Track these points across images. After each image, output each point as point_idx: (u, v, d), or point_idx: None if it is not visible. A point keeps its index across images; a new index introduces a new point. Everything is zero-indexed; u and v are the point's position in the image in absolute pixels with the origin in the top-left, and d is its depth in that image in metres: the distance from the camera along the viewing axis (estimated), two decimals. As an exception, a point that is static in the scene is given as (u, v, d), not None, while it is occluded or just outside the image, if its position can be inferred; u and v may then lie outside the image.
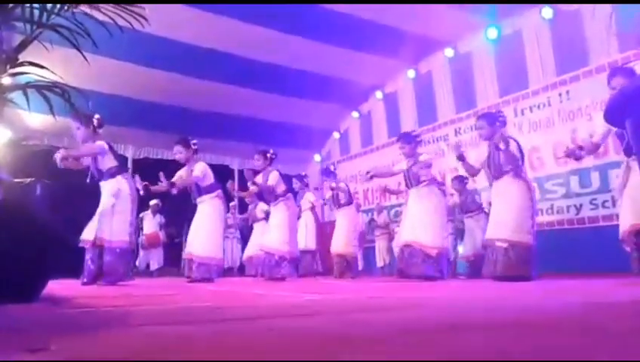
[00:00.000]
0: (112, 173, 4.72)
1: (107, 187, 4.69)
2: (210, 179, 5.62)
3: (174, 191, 5.43)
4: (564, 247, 5.93)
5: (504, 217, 4.36)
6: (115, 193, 4.63)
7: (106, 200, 4.63)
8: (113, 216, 4.59)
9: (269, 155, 6.13)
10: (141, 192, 5.03)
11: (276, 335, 1.23)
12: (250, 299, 2.92)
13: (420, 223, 5.05)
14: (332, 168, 7.67)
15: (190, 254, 5.53)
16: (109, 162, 4.72)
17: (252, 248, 8.34)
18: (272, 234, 6.08)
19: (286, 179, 6.58)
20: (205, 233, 5.53)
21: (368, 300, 2.56)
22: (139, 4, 2.43)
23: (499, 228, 4.37)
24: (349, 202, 7.13)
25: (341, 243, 6.90)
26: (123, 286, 4.26)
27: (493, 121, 4.63)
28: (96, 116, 4.69)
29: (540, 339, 1.07)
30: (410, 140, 5.34)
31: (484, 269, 4.49)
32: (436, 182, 5.95)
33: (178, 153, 5.59)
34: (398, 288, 3.80)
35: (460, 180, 6.53)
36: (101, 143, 4.65)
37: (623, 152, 3.88)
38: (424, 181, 5.18)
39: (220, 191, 5.74)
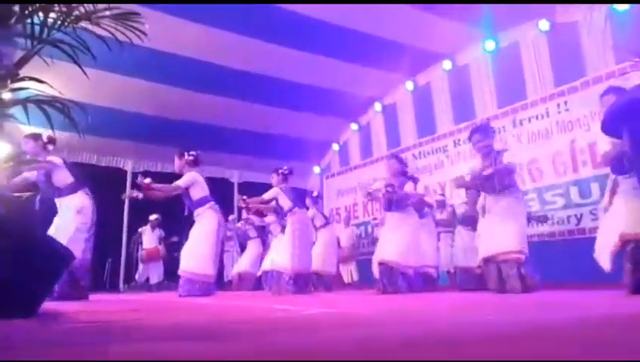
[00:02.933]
0: (72, 188, 4.68)
1: (69, 203, 4.60)
2: (202, 191, 5.54)
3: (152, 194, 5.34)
4: (565, 258, 5.92)
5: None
6: (80, 209, 4.58)
7: (68, 216, 4.53)
8: (73, 233, 4.46)
9: (280, 172, 6.21)
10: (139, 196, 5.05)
11: (280, 352, 1.22)
12: (250, 313, 2.89)
13: None
14: (314, 194, 7.95)
15: (180, 269, 5.46)
16: (65, 178, 4.67)
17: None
18: (280, 251, 6.11)
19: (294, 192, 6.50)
20: (193, 247, 5.42)
21: (366, 314, 2.54)
22: (138, 20, 2.45)
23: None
24: (327, 223, 7.45)
25: (319, 261, 7.05)
26: (123, 302, 4.23)
27: (489, 133, 4.62)
28: (48, 134, 4.63)
29: (541, 351, 1.06)
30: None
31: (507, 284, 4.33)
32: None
33: (175, 162, 5.66)
34: (393, 301, 3.78)
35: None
36: (52, 158, 4.60)
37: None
38: None
39: (212, 203, 5.61)
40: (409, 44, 7.57)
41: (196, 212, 5.55)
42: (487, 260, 4.36)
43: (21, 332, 1.76)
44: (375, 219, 8.73)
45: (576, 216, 6.28)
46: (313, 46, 7.41)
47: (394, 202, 5.21)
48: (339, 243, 8.48)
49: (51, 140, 4.69)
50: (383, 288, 5.07)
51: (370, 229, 9.46)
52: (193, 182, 5.45)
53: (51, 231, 4.33)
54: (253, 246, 8.79)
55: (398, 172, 5.36)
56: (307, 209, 6.78)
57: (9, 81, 2.16)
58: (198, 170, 5.71)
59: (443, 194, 7.63)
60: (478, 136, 4.50)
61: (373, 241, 8.79)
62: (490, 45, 7.51)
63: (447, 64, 8.20)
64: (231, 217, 9.82)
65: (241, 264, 8.80)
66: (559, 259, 5.92)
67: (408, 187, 5.20)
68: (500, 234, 4.26)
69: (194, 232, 5.52)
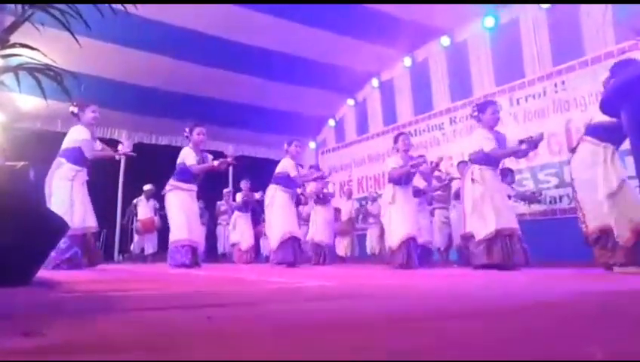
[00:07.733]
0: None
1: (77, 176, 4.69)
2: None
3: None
4: (557, 236, 5.98)
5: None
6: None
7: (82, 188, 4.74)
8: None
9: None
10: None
11: (269, 321, 1.23)
12: (244, 285, 2.92)
13: None
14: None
15: None
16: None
17: None
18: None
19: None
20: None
21: (360, 287, 2.57)
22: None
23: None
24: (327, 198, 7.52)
25: (318, 233, 7.27)
26: (117, 272, 4.27)
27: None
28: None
29: (536, 324, 1.08)
30: None
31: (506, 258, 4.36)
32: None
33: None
34: (387, 276, 3.82)
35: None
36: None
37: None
38: None
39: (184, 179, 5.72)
40: (408, 19, 7.47)
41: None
42: (497, 233, 4.32)
43: (17, 301, 1.77)
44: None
45: (568, 195, 6.33)
46: (311, 20, 7.28)
47: (408, 176, 5.43)
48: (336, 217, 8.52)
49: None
50: (407, 263, 5.13)
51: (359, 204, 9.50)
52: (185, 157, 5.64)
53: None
54: None
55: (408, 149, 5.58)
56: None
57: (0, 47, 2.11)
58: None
59: (440, 170, 7.65)
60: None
61: (365, 216, 8.83)
62: (489, 22, 7.41)
63: (445, 40, 8.10)
64: (226, 190, 9.82)
65: None
66: (551, 237, 5.99)
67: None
68: (505, 208, 4.41)
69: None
